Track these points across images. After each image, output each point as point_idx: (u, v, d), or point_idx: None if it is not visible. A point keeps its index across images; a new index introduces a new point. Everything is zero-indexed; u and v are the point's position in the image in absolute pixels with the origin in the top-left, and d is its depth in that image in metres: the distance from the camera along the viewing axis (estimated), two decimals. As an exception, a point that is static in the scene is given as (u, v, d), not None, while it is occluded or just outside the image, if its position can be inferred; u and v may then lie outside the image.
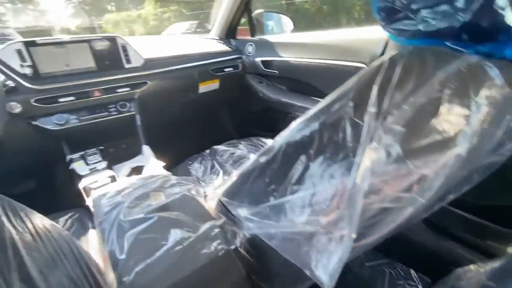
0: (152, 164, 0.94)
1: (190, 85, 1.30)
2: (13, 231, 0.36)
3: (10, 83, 0.85)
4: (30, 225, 0.39)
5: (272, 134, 1.35)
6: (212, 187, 0.90)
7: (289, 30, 1.44)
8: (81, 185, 0.83)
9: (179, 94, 1.30)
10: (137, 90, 1.10)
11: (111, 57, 1.02)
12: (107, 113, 1.05)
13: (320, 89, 1.15)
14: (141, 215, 0.50)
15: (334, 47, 1.06)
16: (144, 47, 1.16)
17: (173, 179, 0.64)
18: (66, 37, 0.95)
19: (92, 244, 0.72)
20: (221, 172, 1.07)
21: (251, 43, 1.42)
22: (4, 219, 0.36)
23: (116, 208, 0.54)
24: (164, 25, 10.43)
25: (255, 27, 1.45)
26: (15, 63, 0.87)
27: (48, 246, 0.39)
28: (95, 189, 0.80)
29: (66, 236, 0.43)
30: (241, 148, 1.24)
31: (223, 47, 1.41)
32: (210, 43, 1.43)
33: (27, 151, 1.03)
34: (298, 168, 0.43)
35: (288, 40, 1.29)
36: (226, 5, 1.33)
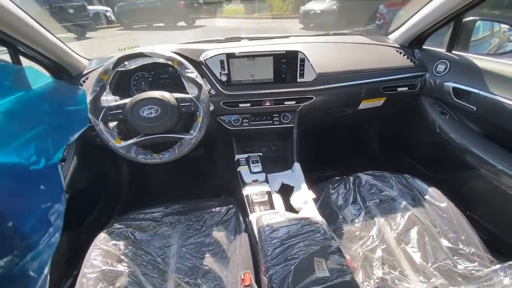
0: (302, 191, 0.97)
1: (353, 102, 1.20)
2: None
3: (212, 92, 1.04)
4: None
5: (434, 179, 1.10)
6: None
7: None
8: (245, 192, 0.97)
9: (337, 109, 1.23)
10: (301, 104, 1.11)
11: (287, 71, 1.06)
12: (270, 121, 1.14)
13: None
14: None
15: None
16: (318, 54, 1.13)
17: (334, 244, 0.64)
18: (256, 50, 1.04)
19: (243, 247, 0.84)
20: (363, 212, 0.99)
21: (445, 60, 1.12)
22: None
23: (283, 256, 0.60)
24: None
25: (457, 39, 1.11)
26: (217, 71, 1.04)
27: None
28: (255, 203, 0.92)
29: None
30: (390, 186, 1.09)
31: (404, 61, 1.18)
32: (388, 53, 1.22)
33: (212, 136, 1.29)
34: None
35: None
36: (427, 11, 1.06)
